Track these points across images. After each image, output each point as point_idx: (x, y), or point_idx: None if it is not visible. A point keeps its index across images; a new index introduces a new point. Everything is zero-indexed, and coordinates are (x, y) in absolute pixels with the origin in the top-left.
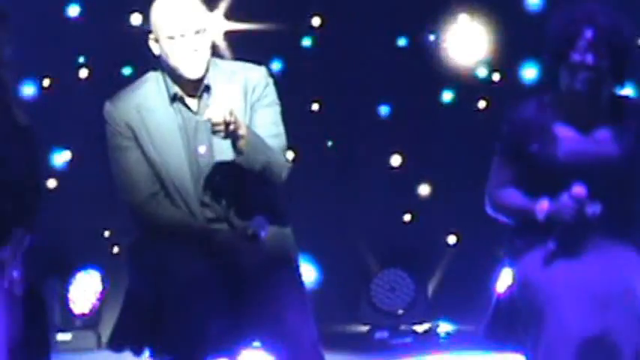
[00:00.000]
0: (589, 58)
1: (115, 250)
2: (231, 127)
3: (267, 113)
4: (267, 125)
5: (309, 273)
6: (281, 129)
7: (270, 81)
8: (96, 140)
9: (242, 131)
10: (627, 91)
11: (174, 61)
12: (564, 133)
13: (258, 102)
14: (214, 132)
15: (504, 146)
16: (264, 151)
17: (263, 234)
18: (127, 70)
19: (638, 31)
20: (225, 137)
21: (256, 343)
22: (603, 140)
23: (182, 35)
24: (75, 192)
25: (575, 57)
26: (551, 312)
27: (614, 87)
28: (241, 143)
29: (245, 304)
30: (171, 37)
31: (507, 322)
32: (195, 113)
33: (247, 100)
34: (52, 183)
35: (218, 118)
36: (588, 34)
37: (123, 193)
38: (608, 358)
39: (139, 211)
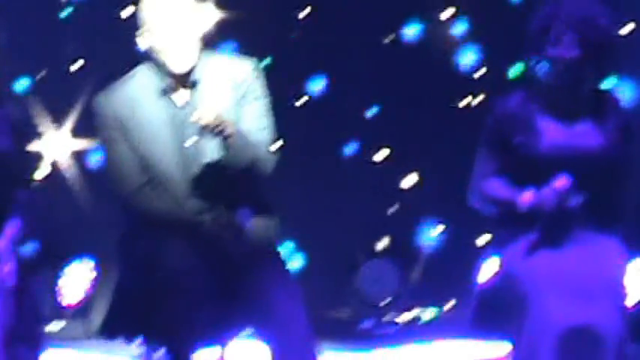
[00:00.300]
0: (564, 52)
1: (107, 239)
2: (219, 127)
3: (255, 107)
4: (254, 119)
5: (295, 262)
6: (268, 122)
7: (259, 74)
8: (87, 129)
9: (229, 130)
10: (610, 83)
11: (163, 54)
12: (547, 125)
13: (246, 96)
14: (203, 131)
15: (488, 139)
16: (250, 148)
17: (248, 226)
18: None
19: (618, 23)
20: (214, 136)
21: (247, 332)
22: (585, 133)
23: (172, 28)
24: (66, 181)
25: (552, 51)
26: (535, 302)
27: (594, 79)
28: (228, 141)
29: (235, 293)
30: (161, 31)
31: (492, 311)
32: (183, 107)
33: (235, 94)
34: (44, 170)
35: (206, 120)
36: (563, 28)
37: (113, 184)
38: (591, 348)
39: (128, 202)
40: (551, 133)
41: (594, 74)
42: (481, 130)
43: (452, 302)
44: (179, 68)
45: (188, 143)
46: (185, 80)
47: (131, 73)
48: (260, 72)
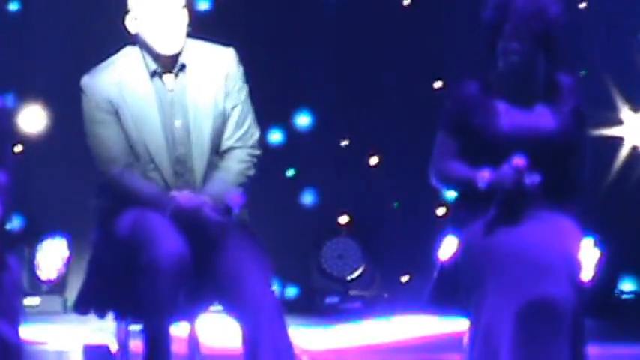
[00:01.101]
0: (513, 45)
1: (81, 216)
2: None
3: (238, 109)
4: (236, 125)
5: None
6: (250, 121)
7: (239, 61)
8: (64, 106)
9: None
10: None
11: (152, 36)
12: (504, 109)
13: (232, 89)
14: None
15: (448, 121)
16: (236, 186)
17: (236, 210)
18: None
19: (565, 11)
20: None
21: (216, 307)
22: (541, 115)
23: (164, 11)
24: (42, 158)
25: (502, 44)
26: (493, 277)
27: (546, 65)
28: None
29: (205, 269)
30: (152, 13)
31: (451, 287)
32: (172, 90)
33: (221, 80)
34: (18, 148)
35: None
36: (515, 21)
37: (99, 164)
38: (548, 322)
39: (113, 182)
40: (508, 115)
41: (547, 62)
42: (439, 113)
43: (411, 277)
44: (169, 50)
45: (177, 123)
46: (173, 63)
47: (119, 54)
48: (240, 60)
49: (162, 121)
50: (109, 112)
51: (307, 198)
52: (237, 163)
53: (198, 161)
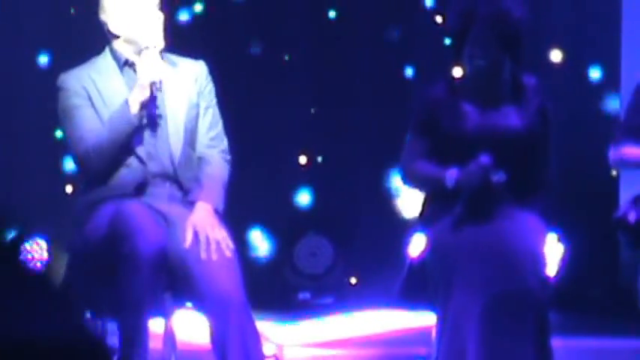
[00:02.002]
0: (478, 50)
1: (60, 218)
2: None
3: (209, 113)
4: (210, 125)
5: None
6: (221, 127)
7: (209, 75)
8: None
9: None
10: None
11: (137, 31)
12: (471, 109)
13: (203, 90)
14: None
15: (416, 122)
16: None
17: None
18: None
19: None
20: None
21: (188, 304)
22: (507, 115)
23: (148, 6)
24: (21, 161)
25: (467, 50)
26: (460, 273)
27: (512, 67)
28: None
29: (178, 267)
30: (137, 8)
31: (420, 283)
32: None
33: (193, 83)
34: None
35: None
36: (480, 27)
37: (74, 145)
38: (513, 317)
39: (87, 163)
40: (475, 115)
41: (512, 63)
42: (411, 114)
43: (382, 274)
44: (156, 41)
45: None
46: None
47: (90, 60)
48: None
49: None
50: (83, 97)
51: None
52: (219, 161)
53: (175, 147)
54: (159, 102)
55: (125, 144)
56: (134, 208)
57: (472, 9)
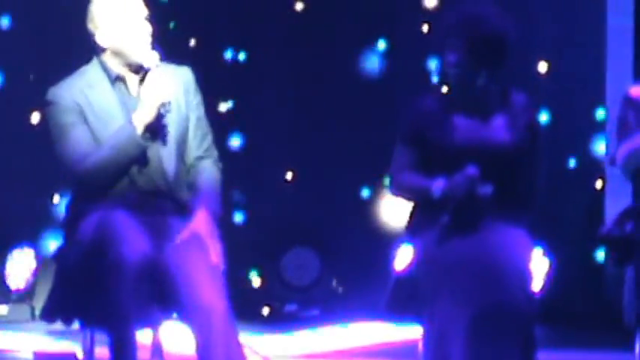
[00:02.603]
0: (450, 58)
1: (50, 227)
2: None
3: (201, 124)
4: (203, 136)
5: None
6: (210, 137)
7: (197, 82)
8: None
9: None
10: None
11: (126, 46)
12: (459, 121)
13: (191, 100)
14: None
15: (405, 133)
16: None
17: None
18: None
19: (510, 25)
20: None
21: (175, 315)
22: (495, 129)
23: (134, 21)
24: (11, 169)
25: (448, 57)
26: (446, 286)
27: (490, 78)
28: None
29: (165, 277)
30: (123, 24)
31: (407, 295)
32: (136, 96)
33: (182, 93)
34: None
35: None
36: (455, 34)
37: (70, 164)
38: (499, 330)
39: (89, 181)
40: (464, 126)
41: (489, 74)
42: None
43: (368, 286)
44: (144, 58)
45: (164, 121)
46: (138, 70)
47: (81, 69)
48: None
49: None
50: (77, 114)
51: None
52: (214, 170)
53: (167, 161)
54: (165, 120)
55: (131, 164)
56: (120, 216)
57: (453, 18)
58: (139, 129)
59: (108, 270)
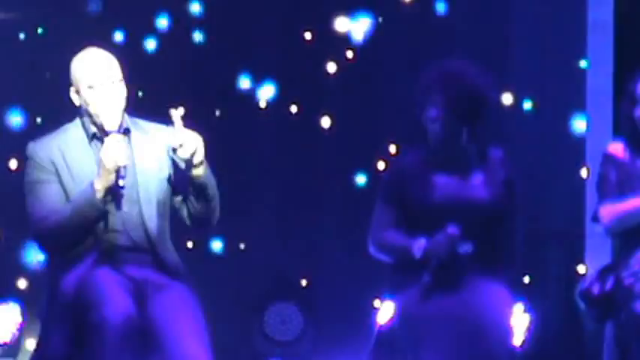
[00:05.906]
0: (431, 113)
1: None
2: (197, 155)
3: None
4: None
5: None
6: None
7: None
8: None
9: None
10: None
11: (93, 108)
12: (439, 179)
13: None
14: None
15: (385, 191)
16: (214, 185)
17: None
18: None
19: (490, 84)
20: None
21: None
22: (473, 186)
23: (101, 85)
24: None
25: (427, 113)
26: (428, 342)
27: (471, 135)
28: (200, 171)
29: (150, 335)
30: (91, 87)
31: (388, 350)
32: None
33: (167, 159)
34: None
35: (191, 147)
36: (433, 90)
37: (35, 221)
38: None
39: (49, 242)
40: (443, 184)
41: (468, 130)
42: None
43: (352, 340)
44: (110, 125)
45: (120, 182)
46: (108, 133)
47: (62, 128)
48: None
49: None
50: (50, 173)
51: (251, 263)
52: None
53: (148, 217)
54: (131, 176)
55: (90, 227)
56: (101, 275)
57: (433, 75)
58: (100, 193)
59: (91, 332)
